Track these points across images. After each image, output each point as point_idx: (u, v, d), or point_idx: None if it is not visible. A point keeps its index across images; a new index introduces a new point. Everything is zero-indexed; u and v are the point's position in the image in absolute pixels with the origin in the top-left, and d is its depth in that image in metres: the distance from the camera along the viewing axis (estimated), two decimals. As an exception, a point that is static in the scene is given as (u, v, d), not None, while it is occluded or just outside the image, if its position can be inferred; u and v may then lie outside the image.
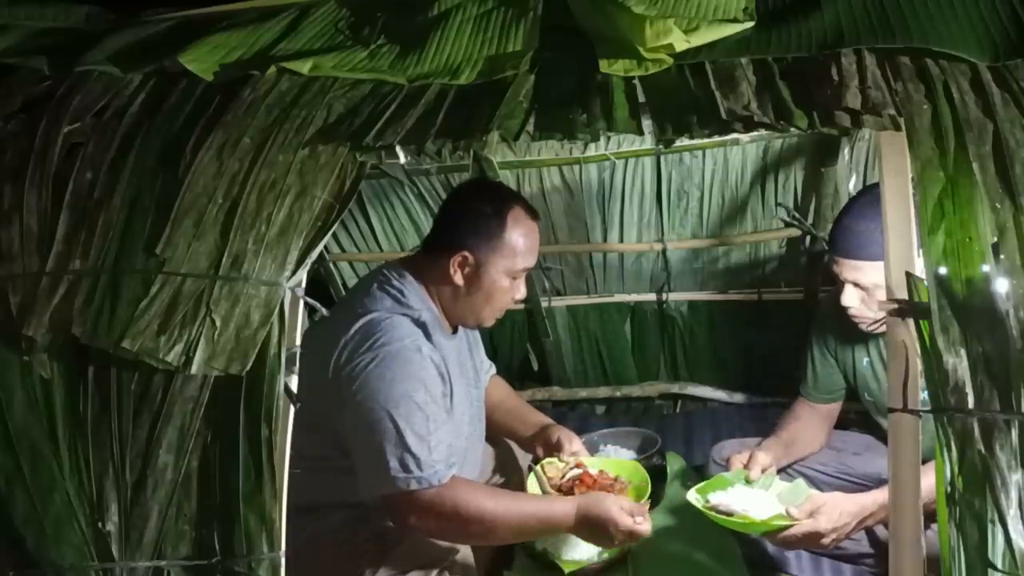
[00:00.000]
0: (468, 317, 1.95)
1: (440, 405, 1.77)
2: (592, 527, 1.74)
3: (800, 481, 2.08)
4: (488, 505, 1.72)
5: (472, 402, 2.01)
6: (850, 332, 2.13)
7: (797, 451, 2.24)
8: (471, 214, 1.89)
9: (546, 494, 1.98)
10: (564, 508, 1.77)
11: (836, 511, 1.84)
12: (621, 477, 2.05)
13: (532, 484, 2.04)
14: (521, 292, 1.95)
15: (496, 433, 2.21)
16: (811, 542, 1.88)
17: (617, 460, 2.11)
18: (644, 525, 1.75)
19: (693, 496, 1.96)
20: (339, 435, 1.77)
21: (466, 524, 1.71)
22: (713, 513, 1.92)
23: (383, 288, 1.87)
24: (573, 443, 2.09)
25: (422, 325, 1.83)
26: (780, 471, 2.13)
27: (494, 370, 2.30)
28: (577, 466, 2.05)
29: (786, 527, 1.84)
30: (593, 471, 2.05)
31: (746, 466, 2.07)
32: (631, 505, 1.78)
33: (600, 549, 2.05)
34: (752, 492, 2.00)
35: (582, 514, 1.74)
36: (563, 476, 2.03)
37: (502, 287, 1.88)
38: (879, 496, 1.86)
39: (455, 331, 1.99)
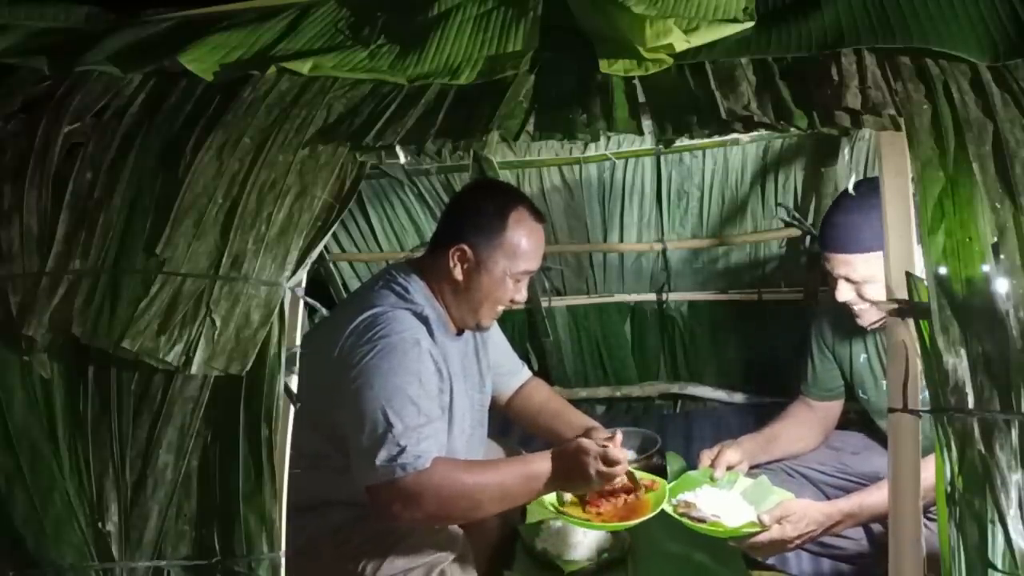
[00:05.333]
0: (467, 316, 1.94)
1: (435, 401, 1.76)
2: (569, 468, 1.72)
3: (763, 478, 2.10)
4: (468, 479, 1.70)
5: (473, 405, 2.00)
6: (848, 329, 2.14)
7: (780, 448, 2.25)
8: (472, 210, 1.90)
9: (560, 496, 1.94)
10: (540, 459, 1.75)
11: (803, 520, 1.89)
12: (643, 479, 2.02)
13: None
14: (522, 294, 1.94)
15: (540, 436, 2.19)
16: (777, 547, 1.93)
17: (646, 474, 2.09)
18: (614, 450, 1.72)
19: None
20: (338, 430, 1.77)
21: (451, 503, 1.69)
22: (686, 520, 1.92)
23: (388, 286, 1.88)
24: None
25: (425, 320, 1.83)
26: (756, 467, 2.14)
27: (528, 372, 2.29)
28: None
29: (754, 533, 1.87)
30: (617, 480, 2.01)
31: (712, 463, 2.09)
32: (598, 440, 1.75)
33: (600, 549, 2.05)
34: (719, 493, 2.01)
35: (557, 460, 1.72)
36: None
37: (501, 286, 1.88)
38: (844, 506, 1.94)
39: (460, 333, 1.99)
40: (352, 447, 1.72)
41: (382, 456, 1.64)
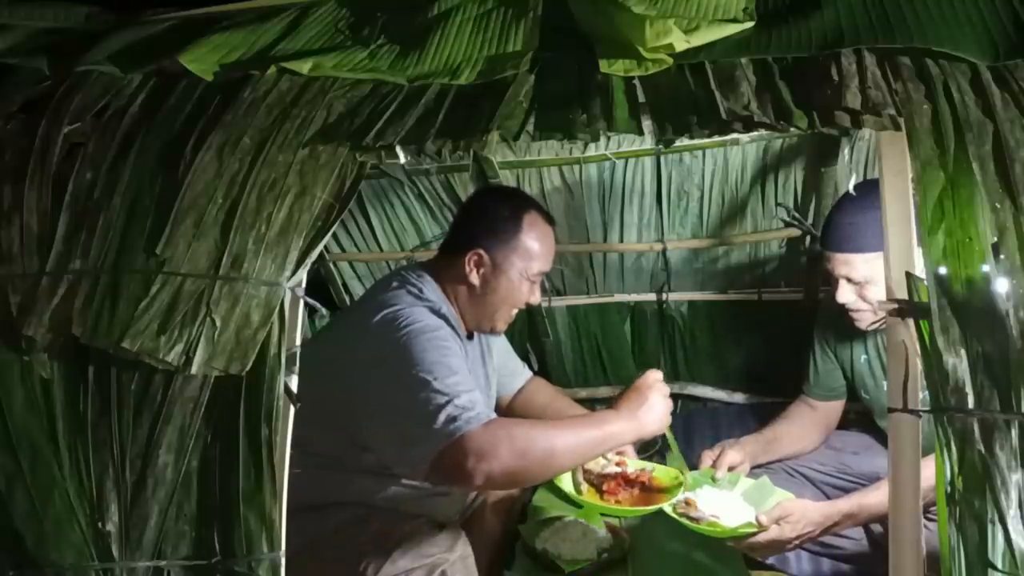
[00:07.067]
0: (483, 320, 1.96)
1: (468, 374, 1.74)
2: (638, 408, 1.72)
3: (765, 479, 2.11)
4: (537, 430, 1.65)
5: None
6: (849, 329, 2.14)
7: (781, 448, 2.25)
8: (487, 216, 1.93)
9: (577, 485, 1.99)
10: (604, 412, 1.76)
11: (802, 521, 1.90)
12: (647, 469, 2.08)
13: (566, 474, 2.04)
14: (536, 296, 1.96)
15: None
16: (775, 548, 1.94)
17: (660, 466, 2.12)
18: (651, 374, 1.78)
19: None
20: (358, 429, 1.76)
21: (526, 452, 1.59)
22: (685, 519, 1.93)
23: (402, 287, 1.90)
24: None
25: (443, 317, 1.84)
26: (757, 467, 2.15)
27: (528, 372, 2.31)
28: (618, 464, 2.07)
29: (752, 533, 1.88)
30: (632, 471, 2.07)
31: (714, 464, 2.10)
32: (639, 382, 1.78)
33: (600, 549, 2.06)
34: (719, 493, 2.02)
35: (622, 403, 1.74)
36: (601, 469, 2.05)
37: (518, 289, 1.91)
38: (843, 506, 1.96)
39: (470, 337, 2.00)
40: (398, 435, 1.66)
41: (442, 419, 1.57)
